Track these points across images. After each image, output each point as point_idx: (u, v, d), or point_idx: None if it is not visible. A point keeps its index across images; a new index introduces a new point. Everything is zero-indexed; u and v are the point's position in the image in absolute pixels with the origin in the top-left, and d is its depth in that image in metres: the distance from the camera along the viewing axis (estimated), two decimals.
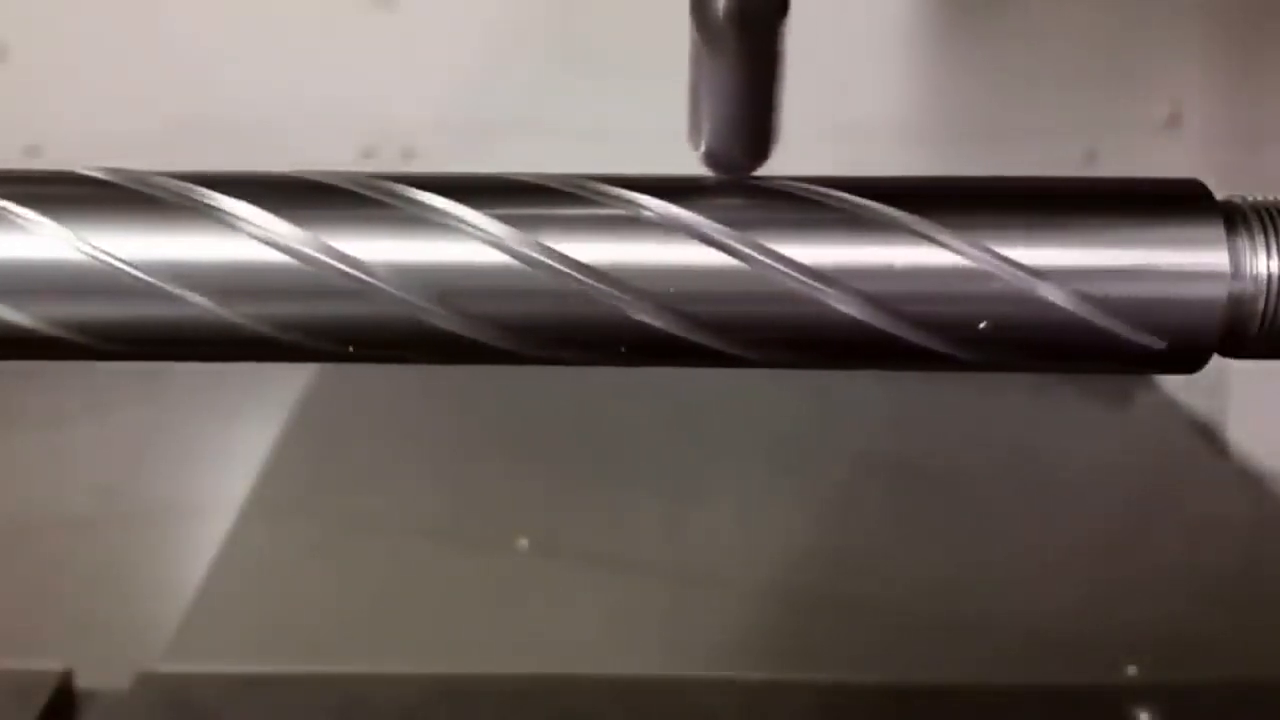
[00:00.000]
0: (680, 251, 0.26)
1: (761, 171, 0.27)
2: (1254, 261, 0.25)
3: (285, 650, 0.61)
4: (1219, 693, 0.58)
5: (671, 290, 0.26)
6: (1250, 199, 0.26)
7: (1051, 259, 0.25)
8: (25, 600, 0.67)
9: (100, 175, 0.27)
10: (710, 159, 0.27)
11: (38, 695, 0.54)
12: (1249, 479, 0.82)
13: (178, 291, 0.25)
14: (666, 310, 0.26)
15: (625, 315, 0.26)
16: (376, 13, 0.92)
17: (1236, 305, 0.25)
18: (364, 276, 0.25)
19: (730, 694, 0.57)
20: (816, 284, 0.25)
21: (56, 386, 0.85)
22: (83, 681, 0.56)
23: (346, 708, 0.56)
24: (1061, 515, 0.76)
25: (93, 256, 0.25)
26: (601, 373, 0.28)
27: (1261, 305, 0.25)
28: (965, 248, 0.25)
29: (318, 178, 0.27)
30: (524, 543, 0.69)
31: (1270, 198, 0.26)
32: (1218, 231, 0.25)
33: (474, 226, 0.26)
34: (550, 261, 0.25)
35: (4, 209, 0.26)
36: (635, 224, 0.26)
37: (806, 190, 0.26)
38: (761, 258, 0.25)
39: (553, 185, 0.26)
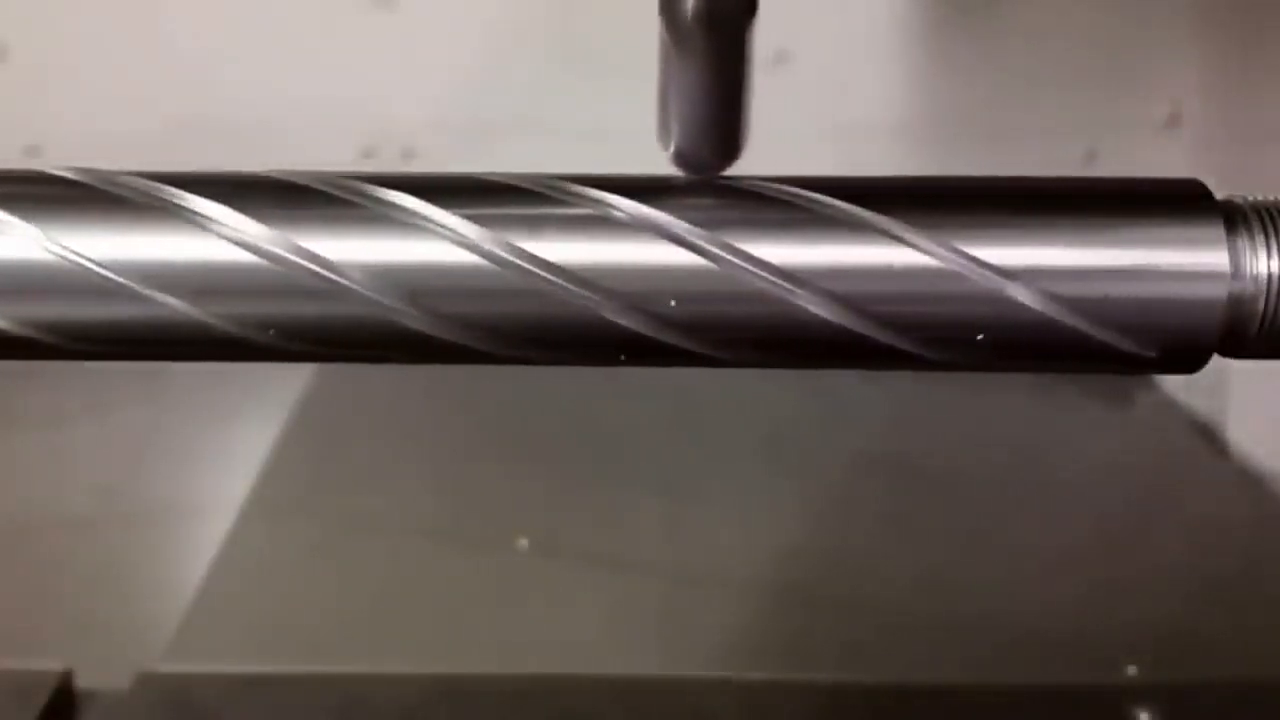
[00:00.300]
0: (649, 251, 0.26)
1: (751, 171, 0.27)
2: (1254, 261, 0.25)
3: (285, 650, 0.61)
4: (1219, 693, 0.58)
5: (642, 292, 0.26)
6: (1250, 199, 0.26)
7: (1042, 259, 0.25)
8: (25, 600, 0.67)
9: (70, 175, 0.27)
10: (680, 159, 0.27)
11: (38, 695, 0.54)
12: (1249, 479, 0.82)
13: (147, 292, 0.25)
14: (636, 310, 0.26)
15: (595, 315, 0.26)
16: (376, 13, 0.92)
17: (1236, 305, 0.25)
18: (333, 276, 0.25)
19: (730, 694, 0.57)
20: (785, 284, 0.25)
21: (56, 386, 0.85)
22: (83, 681, 0.56)
23: (346, 708, 0.56)
24: (1061, 515, 0.76)
25: (62, 256, 0.25)
26: (601, 373, 0.28)
27: (1261, 305, 0.25)
28: (934, 248, 0.25)
29: (288, 178, 0.27)
30: (524, 543, 0.69)
31: (1270, 198, 0.26)
32: (1218, 231, 0.25)
33: (444, 227, 0.26)
34: (520, 261, 0.25)
35: None
36: (605, 224, 0.26)
37: (776, 190, 0.26)
38: (730, 258, 0.25)
39: (523, 185, 0.26)
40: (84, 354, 0.27)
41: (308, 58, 0.93)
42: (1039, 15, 0.93)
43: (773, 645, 0.62)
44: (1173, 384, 0.91)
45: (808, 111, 0.92)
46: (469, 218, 0.26)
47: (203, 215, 0.26)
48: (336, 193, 0.26)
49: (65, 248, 0.25)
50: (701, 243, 0.26)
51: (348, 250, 0.26)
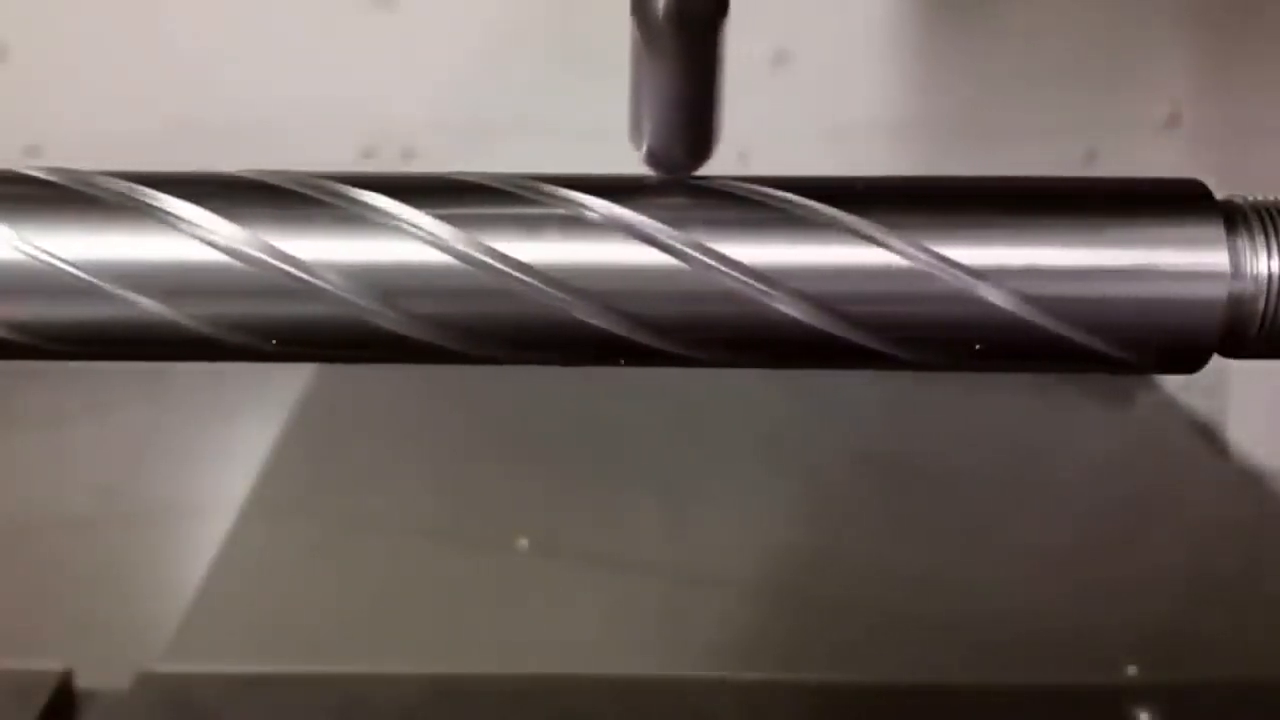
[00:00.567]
0: (621, 251, 0.26)
1: (751, 170, 0.27)
2: (1254, 261, 0.25)
3: (285, 650, 0.61)
4: (1219, 693, 0.58)
5: (613, 291, 0.26)
6: (1250, 199, 0.26)
7: (1023, 259, 0.25)
8: (25, 600, 0.67)
9: (43, 175, 0.27)
10: (651, 159, 0.27)
11: (38, 695, 0.54)
12: (1249, 479, 0.82)
13: (119, 291, 0.25)
14: (608, 310, 0.26)
15: (567, 315, 0.26)
16: (376, 13, 0.92)
17: (1236, 305, 0.25)
18: (305, 276, 0.26)
19: (729, 694, 0.57)
20: (756, 284, 0.26)
21: (56, 386, 0.85)
22: (83, 681, 0.56)
23: (346, 708, 0.56)
24: (1061, 515, 0.76)
25: (33, 256, 0.25)
26: (601, 373, 0.28)
27: (1261, 305, 0.25)
28: (905, 248, 0.25)
29: (262, 178, 0.27)
30: (524, 543, 0.69)
31: (1270, 198, 0.26)
32: (1218, 231, 0.25)
33: (416, 226, 0.26)
34: (492, 261, 0.26)
35: None
36: (577, 224, 0.26)
37: (748, 190, 0.26)
38: (702, 257, 0.26)
39: (496, 185, 0.27)
40: (57, 354, 0.27)
41: (308, 58, 0.93)
42: (1039, 15, 0.93)
43: (772, 645, 0.62)
44: (1173, 384, 0.91)
45: (808, 111, 0.92)
46: (442, 218, 0.26)
47: (176, 215, 0.26)
48: (310, 193, 0.26)
49: (37, 247, 0.25)
50: (673, 243, 0.26)
51: (320, 250, 0.26)
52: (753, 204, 0.26)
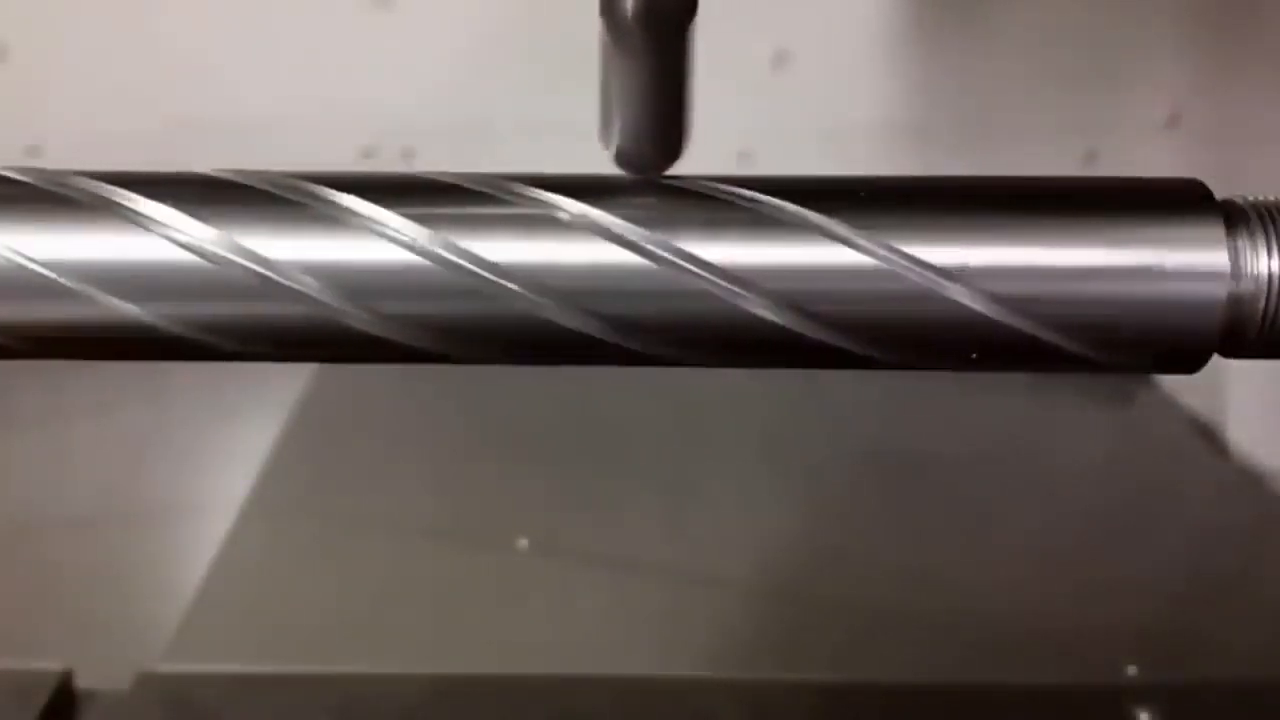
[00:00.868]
0: (591, 251, 0.26)
1: (751, 170, 0.27)
2: (1254, 261, 0.25)
3: (285, 650, 0.61)
4: (1219, 693, 0.58)
5: (583, 291, 0.26)
6: (1250, 199, 0.26)
7: (1028, 258, 0.25)
8: (25, 600, 0.67)
9: (13, 175, 0.27)
10: (622, 159, 0.27)
11: (38, 695, 0.54)
12: (1249, 479, 0.82)
13: (89, 292, 0.25)
14: (578, 310, 0.26)
15: (537, 315, 0.26)
16: (375, 13, 0.92)
17: (1236, 305, 0.25)
18: (275, 277, 0.25)
19: (730, 694, 0.57)
20: (725, 283, 0.25)
21: (56, 386, 0.85)
22: (83, 681, 0.56)
23: (346, 708, 0.56)
24: (1061, 515, 0.76)
25: (3, 257, 0.25)
26: (601, 373, 0.28)
27: (1261, 305, 0.25)
28: (874, 248, 0.25)
29: (234, 178, 0.27)
30: (524, 543, 0.69)
31: (1270, 198, 0.26)
32: (1218, 231, 0.25)
33: (386, 226, 0.26)
34: (461, 261, 0.25)
35: None
36: (547, 224, 0.26)
37: (717, 190, 0.26)
38: (672, 257, 0.26)
39: (467, 185, 0.27)
40: (28, 353, 0.26)
41: (308, 58, 0.93)
42: (1039, 16, 0.93)
43: (772, 645, 0.62)
44: (1172, 384, 0.91)
45: (808, 111, 0.92)
46: (412, 218, 0.26)
47: (146, 215, 0.26)
48: (282, 193, 0.26)
49: (6, 247, 0.25)
50: (643, 243, 0.26)
51: (290, 250, 0.26)
52: (722, 204, 0.26)
